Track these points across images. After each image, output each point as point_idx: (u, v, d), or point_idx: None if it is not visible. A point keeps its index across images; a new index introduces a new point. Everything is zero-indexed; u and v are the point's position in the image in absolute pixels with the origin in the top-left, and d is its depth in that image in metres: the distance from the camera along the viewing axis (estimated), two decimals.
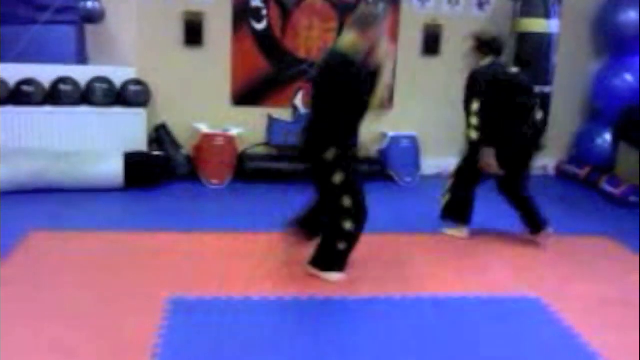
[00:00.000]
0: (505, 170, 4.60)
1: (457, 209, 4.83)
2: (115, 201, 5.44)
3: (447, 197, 4.86)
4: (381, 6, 4.00)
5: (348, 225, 3.97)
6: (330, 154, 3.87)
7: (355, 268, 4.23)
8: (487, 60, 4.58)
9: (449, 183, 4.86)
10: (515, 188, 4.69)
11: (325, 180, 3.95)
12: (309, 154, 3.99)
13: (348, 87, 3.84)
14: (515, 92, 4.57)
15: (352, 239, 4.05)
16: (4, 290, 3.66)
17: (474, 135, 4.51)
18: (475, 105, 4.46)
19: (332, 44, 4.09)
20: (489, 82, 4.48)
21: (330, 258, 4.07)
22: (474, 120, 4.48)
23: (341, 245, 4.03)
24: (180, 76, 6.12)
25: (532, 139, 4.66)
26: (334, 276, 4.07)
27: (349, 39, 3.91)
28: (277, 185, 6.00)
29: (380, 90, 3.89)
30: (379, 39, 3.95)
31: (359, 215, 4.00)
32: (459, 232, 4.82)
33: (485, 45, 4.60)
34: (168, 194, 5.69)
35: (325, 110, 3.95)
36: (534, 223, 4.76)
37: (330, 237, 4.05)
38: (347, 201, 3.94)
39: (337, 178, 3.90)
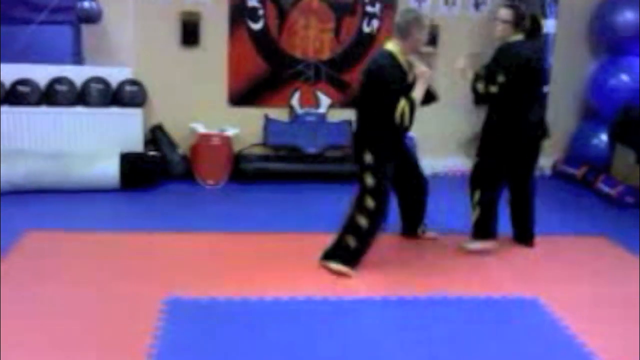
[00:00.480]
0: (516, 162, 4.52)
1: (488, 224, 4.56)
2: (112, 202, 5.43)
3: (476, 212, 4.55)
4: (417, 14, 4.21)
5: (363, 222, 4.13)
6: (367, 157, 4.09)
7: None
8: (518, 37, 4.38)
9: (475, 197, 4.53)
10: (527, 183, 4.63)
11: (360, 178, 4.15)
12: (354, 152, 4.24)
13: (390, 83, 4.00)
14: (538, 80, 4.44)
15: (363, 237, 4.17)
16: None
17: (493, 89, 4.32)
18: (500, 78, 4.28)
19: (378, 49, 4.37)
20: (517, 62, 4.29)
21: (339, 251, 4.18)
22: (494, 89, 4.31)
23: (351, 242, 4.16)
24: (177, 76, 6.11)
25: (539, 127, 4.57)
26: (336, 266, 4.15)
27: (392, 44, 4.12)
28: (273, 185, 5.99)
29: (406, 104, 3.98)
30: (418, 45, 4.14)
31: (378, 218, 4.16)
32: (490, 245, 4.58)
33: (521, 19, 4.35)
34: (164, 194, 5.67)
35: (365, 112, 4.16)
36: (529, 227, 4.74)
37: (343, 231, 4.18)
38: (370, 203, 4.12)
39: (369, 180, 4.10)
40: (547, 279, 4.24)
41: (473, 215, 4.57)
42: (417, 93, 4.08)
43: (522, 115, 4.39)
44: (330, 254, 4.20)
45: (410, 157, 4.58)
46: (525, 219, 4.74)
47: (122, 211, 5.29)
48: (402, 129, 4.09)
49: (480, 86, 4.43)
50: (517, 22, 4.36)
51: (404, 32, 4.09)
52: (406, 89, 4.06)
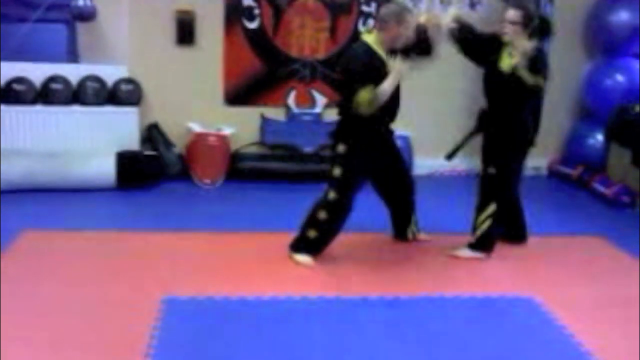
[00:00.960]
0: (502, 165, 4.41)
1: (494, 238, 4.50)
2: (107, 201, 5.41)
3: (486, 225, 4.41)
4: (403, 7, 4.24)
5: (322, 215, 4.17)
6: (340, 148, 4.13)
7: (347, 267, 4.24)
8: (535, 42, 4.23)
9: (488, 210, 4.38)
10: (511, 187, 4.56)
11: (329, 170, 4.21)
12: (331, 144, 4.27)
13: (366, 74, 4.00)
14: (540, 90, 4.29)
15: (323, 229, 4.22)
16: None
17: (541, 81, 4.14)
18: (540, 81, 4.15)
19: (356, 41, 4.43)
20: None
21: (301, 242, 4.26)
22: (541, 81, 4.15)
23: (311, 233, 4.22)
24: (173, 75, 6.09)
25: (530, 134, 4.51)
26: (300, 257, 4.24)
27: (371, 36, 4.17)
28: (269, 184, 5.99)
29: (367, 93, 3.96)
30: (398, 40, 4.12)
31: (339, 211, 4.19)
32: (479, 255, 4.50)
33: (530, 20, 4.18)
34: (160, 193, 5.66)
35: (341, 104, 4.20)
36: (523, 225, 4.73)
37: (304, 223, 4.25)
38: (332, 195, 4.15)
39: (336, 172, 4.14)
40: (543, 278, 4.25)
41: (480, 228, 4.43)
42: (385, 86, 4.01)
43: (523, 116, 4.35)
44: (294, 246, 4.29)
45: (399, 158, 4.51)
46: (518, 216, 4.72)
47: (118, 210, 5.28)
48: (377, 119, 4.11)
49: (525, 73, 4.12)
50: (526, 23, 4.20)
51: (382, 24, 4.12)
52: (378, 79, 4.02)
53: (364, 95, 3.94)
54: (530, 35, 4.23)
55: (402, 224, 4.67)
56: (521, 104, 4.32)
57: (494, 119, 4.40)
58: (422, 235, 4.76)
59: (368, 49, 4.11)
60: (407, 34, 4.14)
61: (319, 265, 4.22)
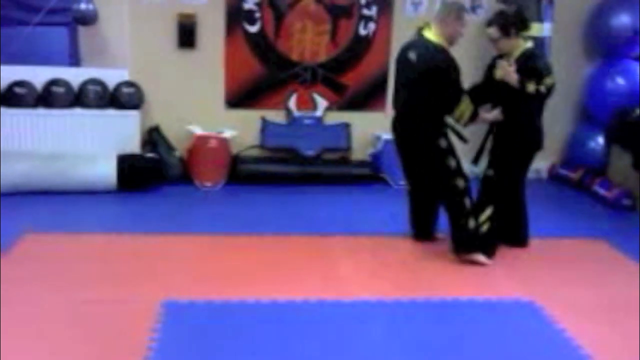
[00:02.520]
0: (503, 169, 4.43)
1: (491, 242, 4.47)
2: (108, 203, 5.42)
3: (484, 227, 4.39)
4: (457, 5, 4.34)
5: (468, 203, 4.27)
6: (443, 142, 4.20)
7: (346, 270, 4.24)
8: (528, 44, 4.29)
9: (485, 213, 4.40)
10: (511, 192, 4.57)
11: (439, 166, 4.26)
12: (425, 143, 4.27)
13: (450, 73, 4.15)
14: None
15: (471, 213, 4.28)
16: None
17: (542, 88, 4.17)
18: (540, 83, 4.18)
19: (415, 38, 4.37)
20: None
21: (463, 237, 4.32)
22: (543, 88, 4.19)
23: (471, 223, 4.28)
24: (174, 78, 6.11)
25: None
26: (478, 257, 4.34)
27: (432, 33, 4.20)
28: (270, 187, 5.99)
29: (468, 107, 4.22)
30: (455, 36, 4.22)
31: (470, 194, 4.30)
32: (485, 259, 4.42)
33: (510, 25, 4.21)
34: (161, 196, 5.67)
35: (425, 103, 4.21)
36: (519, 233, 4.72)
37: (460, 222, 4.28)
38: (461, 183, 4.27)
39: (452, 163, 4.26)
40: (543, 281, 4.25)
41: (482, 228, 4.41)
42: (483, 114, 4.31)
43: (533, 120, 4.37)
44: (467, 246, 4.33)
45: None
46: (520, 219, 4.71)
47: (119, 213, 5.28)
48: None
49: (531, 86, 4.18)
50: (507, 33, 4.22)
51: (442, 17, 4.20)
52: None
53: (466, 108, 4.18)
54: (518, 35, 4.27)
55: (429, 222, 4.71)
56: (528, 109, 4.33)
57: (501, 122, 4.41)
58: (439, 234, 4.80)
59: (448, 53, 4.18)
60: (462, 32, 4.25)
61: (319, 268, 4.23)
